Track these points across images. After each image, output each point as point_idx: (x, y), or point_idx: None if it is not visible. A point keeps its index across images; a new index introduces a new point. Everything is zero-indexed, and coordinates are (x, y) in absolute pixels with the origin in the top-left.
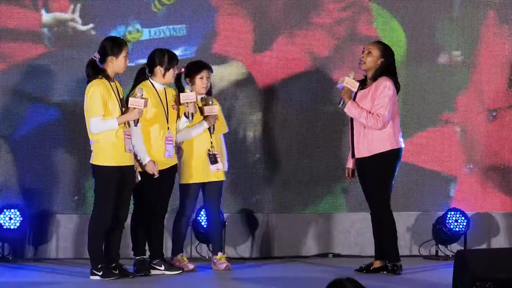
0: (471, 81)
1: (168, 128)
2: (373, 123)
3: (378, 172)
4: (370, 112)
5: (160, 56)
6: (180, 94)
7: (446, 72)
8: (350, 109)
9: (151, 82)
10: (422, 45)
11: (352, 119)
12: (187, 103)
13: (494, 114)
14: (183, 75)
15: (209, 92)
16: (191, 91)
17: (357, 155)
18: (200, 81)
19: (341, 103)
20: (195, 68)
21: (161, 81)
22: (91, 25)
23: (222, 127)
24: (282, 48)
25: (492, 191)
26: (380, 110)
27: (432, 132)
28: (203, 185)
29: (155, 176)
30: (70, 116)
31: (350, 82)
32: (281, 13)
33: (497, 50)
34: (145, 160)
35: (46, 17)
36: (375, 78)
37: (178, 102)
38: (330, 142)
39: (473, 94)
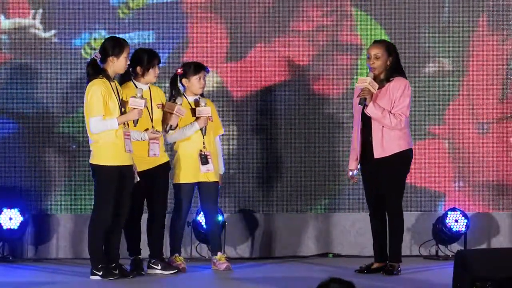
0: (461, 91)
1: (153, 127)
2: (396, 123)
3: (396, 172)
4: (391, 112)
5: (140, 56)
6: (167, 102)
7: (434, 82)
8: (373, 110)
9: (133, 83)
10: (409, 53)
11: (363, 122)
12: (170, 113)
13: (486, 127)
14: (179, 77)
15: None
16: (181, 104)
17: (376, 156)
18: (198, 82)
19: (363, 103)
20: (191, 69)
21: (143, 81)
22: (53, 32)
23: (217, 129)
24: (259, 57)
25: (491, 191)
26: (403, 110)
27: (419, 146)
28: (198, 187)
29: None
30: (66, 118)
31: (372, 83)
32: (258, 19)
33: (489, 58)
34: (144, 136)
35: (4, 22)
36: (387, 77)
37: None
38: (327, 144)
39: (464, 106)
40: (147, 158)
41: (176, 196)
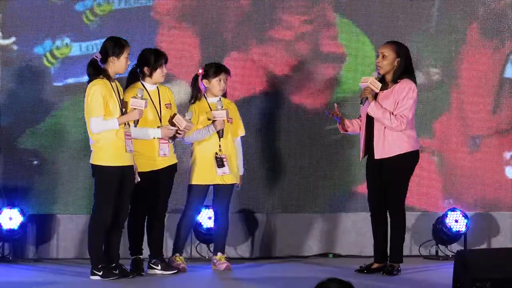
0: (451, 103)
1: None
2: (397, 124)
3: (397, 174)
4: (393, 114)
5: (146, 56)
6: (176, 115)
7: (422, 93)
8: (373, 109)
9: (142, 83)
10: None
11: (368, 120)
12: (177, 124)
13: (478, 141)
14: (200, 77)
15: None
16: (190, 119)
17: (377, 156)
18: (218, 84)
19: (364, 103)
20: (213, 70)
21: (150, 81)
22: (12, 39)
23: (237, 130)
24: (235, 67)
25: (492, 191)
26: (405, 112)
27: None
28: (214, 188)
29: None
30: (67, 119)
31: (373, 83)
32: (233, 26)
33: (481, 67)
34: (155, 133)
35: None
36: (395, 79)
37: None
38: (327, 144)
39: (454, 118)
40: (156, 159)
41: (189, 197)
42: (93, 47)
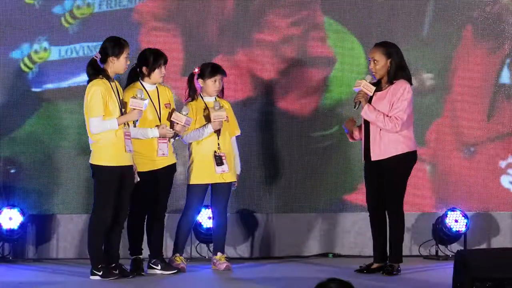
0: (444, 109)
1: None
2: (391, 126)
3: (394, 175)
4: (387, 116)
5: (146, 56)
6: (174, 112)
7: (414, 99)
8: (367, 113)
9: (141, 83)
10: None
11: (366, 122)
12: (176, 123)
13: (472, 149)
14: (196, 75)
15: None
16: (187, 114)
17: (373, 158)
18: (213, 84)
19: (357, 106)
20: (209, 70)
21: (149, 81)
22: None
23: (234, 129)
24: None
25: (492, 191)
26: (399, 114)
27: None
28: (212, 187)
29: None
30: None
31: (366, 86)
32: (218, 29)
33: (475, 73)
34: (154, 132)
35: None
36: (390, 80)
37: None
38: (327, 144)
39: (447, 125)
40: (156, 159)
41: (188, 197)
42: (73, 51)
